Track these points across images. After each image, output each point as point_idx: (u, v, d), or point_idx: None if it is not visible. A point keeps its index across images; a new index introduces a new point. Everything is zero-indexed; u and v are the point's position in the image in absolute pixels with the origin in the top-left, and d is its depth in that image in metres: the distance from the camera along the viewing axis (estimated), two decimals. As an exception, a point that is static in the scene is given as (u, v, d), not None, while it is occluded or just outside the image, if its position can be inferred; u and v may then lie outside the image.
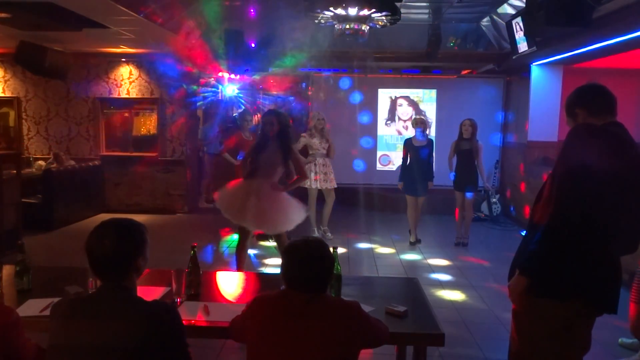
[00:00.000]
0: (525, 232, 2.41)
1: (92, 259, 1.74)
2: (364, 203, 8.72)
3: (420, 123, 6.74)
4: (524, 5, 5.64)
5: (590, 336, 2.27)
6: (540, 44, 6.00)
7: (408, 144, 6.77)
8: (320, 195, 6.94)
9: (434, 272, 5.73)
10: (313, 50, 7.31)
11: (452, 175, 6.81)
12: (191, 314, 2.35)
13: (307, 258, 1.87)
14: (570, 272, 2.10)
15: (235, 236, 5.18)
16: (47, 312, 2.10)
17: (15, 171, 6.57)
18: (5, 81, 8.63)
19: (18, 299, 2.52)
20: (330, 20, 5.29)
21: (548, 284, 2.13)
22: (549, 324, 2.17)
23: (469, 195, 6.69)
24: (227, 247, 6.63)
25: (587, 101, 2.24)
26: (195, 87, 8.90)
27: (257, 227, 4.63)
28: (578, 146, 2.09)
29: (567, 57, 6.73)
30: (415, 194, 6.70)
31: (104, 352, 1.60)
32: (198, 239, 6.53)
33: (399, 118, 9.51)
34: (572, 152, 2.09)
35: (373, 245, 6.80)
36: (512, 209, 8.70)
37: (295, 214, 4.50)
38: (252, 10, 6.67)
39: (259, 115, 10.71)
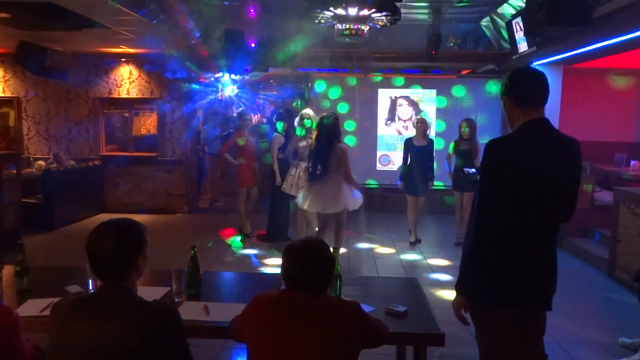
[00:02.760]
0: None
1: (92, 259, 1.74)
2: (364, 203, 8.69)
3: (421, 123, 6.74)
4: (524, 5, 5.64)
5: (538, 344, 2.29)
6: (540, 44, 6.00)
7: (408, 144, 6.77)
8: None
9: (434, 272, 5.73)
10: (313, 50, 7.30)
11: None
12: (191, 314, 2.35)
13: (307, 258, 1.87)
14: (491, 280, 2.17)
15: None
16: (47, 312, 2.10)
17: (15, 171, 6.57)
18: (5, 81, 8.62)
19: (18, 299, 2.52)
20: (330, 20, 5.29)
21: (477, 293, 2.21)
22: (489, 329, 2.22)
23: (467, 195, 6.69)
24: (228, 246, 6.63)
25: (514, 92, 2.24)
26: (195, 86, 8.89)
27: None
28: (485, 162, 2.19)
29: (567, 57, 6.72)
30: (416, 194, 6.69)
31: (104, 353, 1.60)
32: (198, 239, 6.57)
33: (399, 118, 9.50)
34: (482, 168, 2.21)
35: (373, 245, 6.80)
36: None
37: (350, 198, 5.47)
38: (252, 10, 6.66)
39: (258, 115, 10.72)
